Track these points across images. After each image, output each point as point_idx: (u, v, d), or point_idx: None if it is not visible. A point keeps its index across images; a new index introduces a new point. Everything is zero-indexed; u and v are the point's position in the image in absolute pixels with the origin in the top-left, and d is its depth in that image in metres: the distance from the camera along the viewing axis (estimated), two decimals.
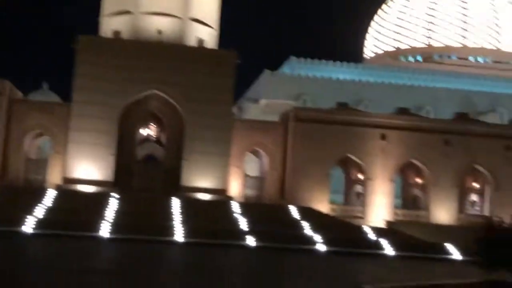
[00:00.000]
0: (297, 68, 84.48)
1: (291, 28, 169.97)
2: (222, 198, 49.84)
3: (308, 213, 47.56)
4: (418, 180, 56.55)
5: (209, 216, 43.86)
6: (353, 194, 57.33)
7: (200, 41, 55.40)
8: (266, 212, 47.81)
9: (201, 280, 22.18)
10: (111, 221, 40.83)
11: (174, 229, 40.51)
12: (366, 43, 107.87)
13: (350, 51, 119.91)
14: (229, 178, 51.92)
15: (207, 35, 56.18)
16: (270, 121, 56.44)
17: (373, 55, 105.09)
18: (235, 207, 47.35)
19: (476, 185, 57.45)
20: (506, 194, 53.33)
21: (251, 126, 54.27)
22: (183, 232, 39.80)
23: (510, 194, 53.41)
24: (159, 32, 53.86)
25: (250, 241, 39.76)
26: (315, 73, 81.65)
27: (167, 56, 51.51)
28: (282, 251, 37.07)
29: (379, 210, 52.28)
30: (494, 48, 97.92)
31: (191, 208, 45.45)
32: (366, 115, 56.13)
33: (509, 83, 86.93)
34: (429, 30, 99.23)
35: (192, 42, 54.70)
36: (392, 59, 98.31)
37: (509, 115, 76.65)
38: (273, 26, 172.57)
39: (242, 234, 41.06)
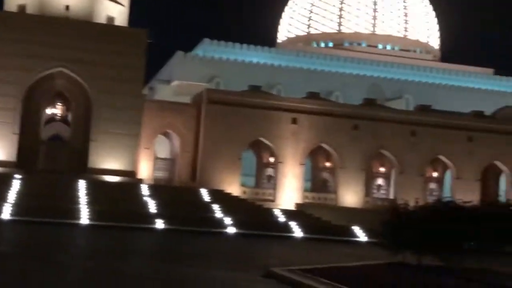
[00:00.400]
0: (210, 50, 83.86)
1: (205, 10, 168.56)
2: (131, 180, 48.76)
3: (219, 196, 47.36)
4: (328, 164, 57.53)
5: (116, 199, 42.80)
6: (264, 177, 57.63)
7: (110, 19, 53.76)
8: (176, 194, 47.20)
9: (105, 262, 21.48)
10: (13, 202, 39.06)
11: (80, 211, 39.27)
12: (279, 27, 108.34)
13: (264, 35, 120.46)
14: (138, 160, 50.86)
15: (117, 12, 54.58)
16: (182, 103, 55.68)
17: (285, 39, 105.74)
18: (144, 189, 46.46)
19: (382, 169, 59.07)
20: (410, 177, 55.10)
21: (162, 107, 53.28)
22: (89, 214, 38.65)
23: (414, 178, 55.25)
24: (67, 8, 51.82)
25: (159, 224, 39.16)
26: (228, 56, 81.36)
27: (74, 33, 49.58)
28: (191, 234, 36.71)
29: (289, 193, 52.76)
30: (402, 36, 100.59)
31: (98, 190, 44.19)
32: (278, 98, 56.38)
33: (415, 71, 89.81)
34: (340, 16, 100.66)
35: (101, 19, 52.95)
36: (304, 44, 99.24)
37: (414, 101, 79.11)
38: (187, 7, 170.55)
39: (150, 217, 40.37)
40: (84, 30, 50.10)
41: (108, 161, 49.25)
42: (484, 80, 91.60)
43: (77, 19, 51.32)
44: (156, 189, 46.97)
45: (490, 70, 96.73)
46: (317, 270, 18.44)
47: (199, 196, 47.44)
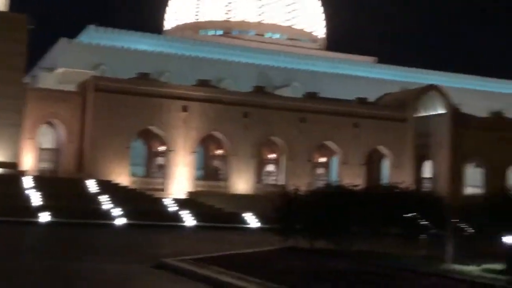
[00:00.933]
0: (95, 37, 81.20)
1: None
2: (13, 172, 46.34)
3: (107, 187, 46.06)
4: (219, 152, 57.47)
5: None
6: (155, 166, 56.71)
7: None
8: (62, 186, 45.40)
9: None
10: None
11: None
12: (166, 14, 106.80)
13: (151, 22, 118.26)
14: (21, 151, 48.42)
15: None
16: (67, 91, 53.53)
17: (173, 27, 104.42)
18: (28, 181, 44.33)
19: (272, 155, 59.79)
20: (300, 164, 56.12)
21: (45, 96, 50.97)
22: None
23: (303, 164, 56.34)
24: None
25: (44, 217, 37.49)
26: (114, 43, 79.12)
27: None
28: (79, 227, 35.41)
29: (180, 181, 52.19)
30: (288, 26, 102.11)
31: None
32: (167, 86, 55.47)
33: (302, 59, 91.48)
34: (228, 4, 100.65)
35: None
36: (192, 32, 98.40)
37: (302, 89, 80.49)
38: None
39: (34, 210, 38.56)
40: None
41: None
42: (368, 69, 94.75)
43: None
44: (41, 181, 44.97)
45: (373, 59, 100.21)
46: (210, 259, 18.22)
47: (86, 187, 45.92)
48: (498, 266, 18.24)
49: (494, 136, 60.41)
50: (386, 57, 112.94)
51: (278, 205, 23.16)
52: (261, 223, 41.56)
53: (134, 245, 27.54)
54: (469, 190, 60.69)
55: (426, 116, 61.72)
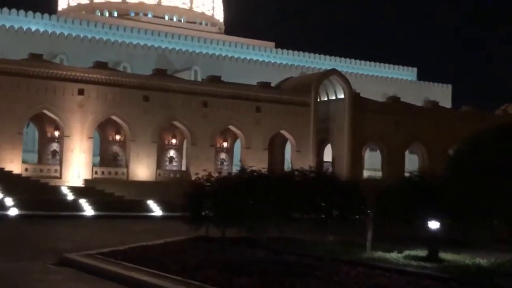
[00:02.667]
0: None
1: None
2: None
3: None
4: (118, 137, 55.24)
5: None
6: (49, 152, 53.64)
7: None
8: None
9: None
10: None
11: None
12: None
13: (42, 1, 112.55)
14: None
15: None
16: None
17: (66, 7, 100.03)
18: None
19: (174, 140, 58.29)
20: (203, 149, 54.98)
21: None
22: None
23: (206, 149, 55.22)
24: None
25: None
26: (3, 23, 74.74)
27: None
28: None
29: (77, 168, 49.66)
30: (187, 8, 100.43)
31: None
32: (62, 68, 52.56)
33: (202, 43, 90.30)
34: None
35: None
36: (87, 12, 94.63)
37: (202, 73, 79.54)
38: None
39: None
40: None
41: None
42: (266, 53, 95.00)
43: None
44: None
45: (272, 44, 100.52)
46: (119, 253, 16.79)
47: None
48: (420, 253, 18.04)
49: (391, 120, 61.95)
50: (283, 43, 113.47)
51: (187, 192, 21.98)
52: (165, 211, 40.25)
53: (30, 238, 25.28)
54: (367, 174, 62.07)
55: (327, 100, 62.27)
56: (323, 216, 21.41)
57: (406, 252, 18.24)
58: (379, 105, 63.68)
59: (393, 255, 17.80)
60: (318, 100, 60.72)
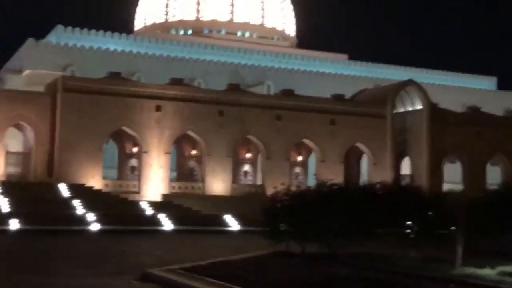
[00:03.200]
0: (64, 37, 79.06)
1: None
2: None
3: (80, 191, 44.25)
4: (194, 152, 55.88)
5: None
6: (128, 168, 54.87)
7: None
8: (32, 191, 43.47)
9: None
10: None
11: None
12: (136, 14, 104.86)
13: (120, 22, 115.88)
14: None
15: None
16: (35, 92, 51.49)
17: (142, 27, 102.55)
18: None
19: (248, 155, 58.42)
20: (277, 163, 54.84)
21: (12, 97, 48.80)
22: None
23: (280, 163, 55.04)
24: None
25: (14, 224, 35.55)
26: (83, 43, 77.08)
27: None
28: (50, 234, 33.52)
29: (155, 183, 50.50)
30: (259, 24, 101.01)
31: None
32: (140, 85, 53.75)
33: (274, 57, 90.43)
34: (198, 3, 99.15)
35: None
36: (162, 31, 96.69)
37: (275, 87, 79.49)
38: None
39: (3, 217, 36.57)
40: None
41: None
42: (339, 65, 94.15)
43: None
44: (9, 186, 42.96)
45: (344, 56, 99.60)
46: (201, 268, 16.70)
47: (57, 192, 44.03)
48: None
49: (471, 131, 60.03)
50: (356, 54, 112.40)
51: (266, 207, 21.74)
52: (242, 225, 40.19)
53: (112, 253, 25.65)
54: (447, 186, 60.18)
55: (404, 112, 61.00)
56: (406, 230, 20.69)
57: (500, 268, 17.31)
58: (459, 116, 61.84)
59: (486, 271, 16.89)
60: (395, 111, 59.55)
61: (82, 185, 45.81)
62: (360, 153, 60.63)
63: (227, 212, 43.23)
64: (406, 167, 62.45)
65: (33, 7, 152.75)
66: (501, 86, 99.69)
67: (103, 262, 22.27)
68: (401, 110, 61.29)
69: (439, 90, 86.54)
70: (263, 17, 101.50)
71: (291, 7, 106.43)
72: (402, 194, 21.59)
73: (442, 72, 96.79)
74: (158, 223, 39.23)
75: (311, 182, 55.05)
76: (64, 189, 44.27)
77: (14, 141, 50.55)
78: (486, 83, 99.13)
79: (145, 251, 26.31)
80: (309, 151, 59.62)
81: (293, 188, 22.54)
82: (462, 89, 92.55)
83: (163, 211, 41.29)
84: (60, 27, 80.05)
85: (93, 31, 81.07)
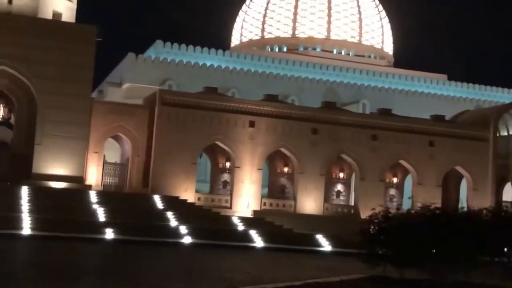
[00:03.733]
0: (163, 52, 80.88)
1: (158, 12, 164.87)
2: (78, 186, 45.52)
3: (173, 203, 44.63)
4: (285, 169, 55.34)
5: (62, 206, 39.58)
6: (220, 183, 55.03)
7: (57, 15, 50.40)
8: (127, 202, 44.19)
9: (47, 283, 18.50)
10: None
11: (22, 221, 35.95)
12: (233, 31, 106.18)
13: (216, 38, 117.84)
14: (87, 165, 47.65)
15: (64, 8, 51.25)
16: (133, 104, 52.69)
17: (238, 43, 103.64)
18: (93, 196, 43.32)
19: (341, 174, 57.27)
20: (371, 183, 53.41)
21: (112, 109, 50.12)
22: (31, 224, 35.36)
23: (374, 184, 53.57)
24: (10, 1, 48.28)
25: (109, 233, 36.17)
26: (181, 58, 78.58)
27: (17, 29, 46.17)
28: (144, 245, 33.83)
29: (246, 199, 50.32)
30: (356, 42, 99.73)
31: (43, 197, 40.87)
32: (235, 100, 53.93)
33: (371, 75, 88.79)
34: (294, 21, 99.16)
35: (47, 15, 49.59)
36: (258, 48, 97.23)
37: (371, 106, 77.87)
38: (139, 7, 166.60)
39: (99, 226, 37.33)
40: (28, 26, 46.69)
41: (54, 166, 45.92)
42: (438, 86, 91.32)
43: (21, 13, 47.86)
44: (106, 196, 43.94)
45: (444, 76, 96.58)
46: None
47: (152, 203, 44.61)
48: None
49: None
50: (455, 75, 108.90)
51: (364, 228, 20.78)
52: (334, 246, 39.11)
53: (204, 267, 25.34)
54: None
55: (508, 135, 58.07)
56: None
57: None
58: None
59: None
60: (498, 135, 56.77)
61: (176, 198, 46.24)
62: (459, 177, 58.13)
63: (319, 232, 42.29)
64: (507, 194, 59.41)
65: (134, 23, 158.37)
66: None
67: (196, 276, 21.98)
68: (505, 133, 58.37)
69: None
70: (360, 35, 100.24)
71: (389, 25, 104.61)
72: (509, 220, 20.02)
73: None
74: (249, 239, 38.83)
75: (406, 205, 53.40)
76: (158, 201, 44.81)
77: (112, 152, 51.92)
78: None
79: (238, 267, 25.84)
80: (405, 173, 57.77)
81: (392, 211, 21.38)
82: None
83: (255, 228, 40.89)
84: (159, 42, 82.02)
85: (190, 47, 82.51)
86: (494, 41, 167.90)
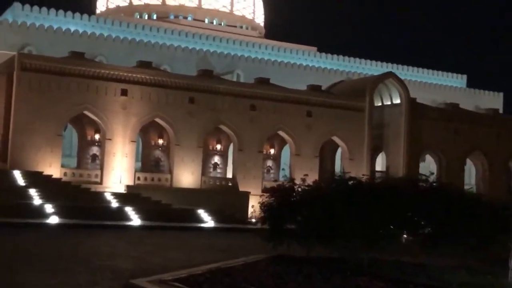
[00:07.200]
0: (21, 15, 74.31)
1: None
2: None
3: (37, 179, 40.14)
4: (161, 141, 52.15)
5: None
6: (88, 156, 50.75)
7: None
8: None
9: None
10: None
11: None
12: None
13: (81, 3, 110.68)
14: None
15: None
16: None
17: (105, 9, 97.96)
18: None
19: (218, 146, 55.02)
20: (249, 155, 51.58)
21: None
22: None
23: (253, 155, 51.81)
24: None
25: None
26: (42, 23, 72.49)
27: None
28: (3, 227, 29.51)
29: (118, 174, 46.62)
30: (228, 12, 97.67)
31: None
32: (105, 67, 49.55)
33: (244, 46, 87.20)
34: None
35: None
36: (126, 15, 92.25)
37: (245, 77, 76.30)
38: None
39: None
40: None
41: None
42: (309, 57, 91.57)
43: None
44: None
45: (314, 48, 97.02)
46: (199, 278, 13.33)
47: (11, 180, 39.87)
48: None
49: (450, 127, 58.05)
50: (325, 47, 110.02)
51: (267, 203, 18.44)
52: (217, 222, 36.82)
53: (80, 253, 21.47)
54: None
55: (381, 106, 58.45)
56: (436, 234, 17.68)
57: None
58: (438, 112, 59.63)
59: None
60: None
61: (39, 173, 41.71)
62: (334, 148, 57.91)
63: (199, 207, 39.82)
64: (380, 163, 60.17)
65: None
66: (471, 84, 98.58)
67: (73, 266, 18.19)
68: (379, 104, 58.72)
69: (410, 86, 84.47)
70: (232, 5, 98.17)
71: None
72: (435, 192, 18.43)
73: (413, 68, 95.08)
74: (125, 217, 35.51)
75: (283, 176, 52.20)
76: (18, 177, 40.17)
77: None
78: (457, 81, 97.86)
79: (119, 251, 22.45)
80: (282, 143, 56.59)
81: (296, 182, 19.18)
82: (433, 85, 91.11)
83: (130, 204, 37.61)
84: (17, 5, 75.28)
85: (52, 10, 76.46)
86: (362, 15, 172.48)
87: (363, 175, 19.48)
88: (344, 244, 17.27)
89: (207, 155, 54.00)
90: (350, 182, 17.99)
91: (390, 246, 17.47)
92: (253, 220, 41.14)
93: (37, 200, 36.45)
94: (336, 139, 55.68)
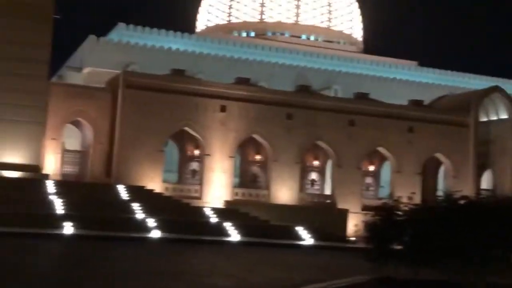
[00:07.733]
0: (126, 35, 76.68)
1: None
2: (34, 175, 41.54)
3: (139, 194, 41.10)
4: (258, 157, 52.18)
5: (16, 198, 35.67)
6: (188, 172, 51.55)
7: None
8: (88, 192, 40.49)
9: None
10: None
11: None
12: (198, 15, 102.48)
13: (181, 23, 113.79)
14: (44, 153, 43.69)
15: None
16: (95, 87, 48.80)
17: (204, 28, 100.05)
18: (50, 186, 39.46)
19: (316, 162, 54.38)
20: (348, 171, 50.65)
21: (71, 92, 46.25)
22: None
23: (351, 171, 50.84)
24: None
25: (67, 228, 32.51)
26: (145, 42, 74.64)
27: None
28: (107, 240, 30.24)
29: (217, 189, 47.01)
30: (325, 27, 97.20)
31: None
32: (204, 83, 50.29)
33: (342, 61, 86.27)
34: (262, 5, 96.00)
35: None
36: (224, 33, 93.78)
37: (343, 92, 75.34)
38: None
39: (57, 219, 33.60)
40: None
41: (8, 153, 41.90)
42: (410, 72, 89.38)
43: None
44: (65, 186, 40.14)
45: (414, 62, 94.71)
46: None
47: (115, 194, 41.01)
48: None
49: None
50: (426, 61, 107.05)
51: (374, 222, 17.69)
52: (316, 239, 36.16)
53: (180, 269, 21.35)
54: None
55: (487, 121, 55.92)
56: None
57: None
58: None
59: None
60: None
61: (141, 187, 42.69)
62: (437, 165, 55.84)
63: (296, 223, 39.30)
64: (486, 181, 57.43)
65: (95, 5, 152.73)
66: None
67: (170, 282, 18.19)
68: (484, 119, 56.23)
69: None
70: (329, 20, 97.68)
71: (358, 11, 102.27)
72: None
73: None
74: (224, 232, 35.59)
75: (383, 193, 50.84)
76: (122, 191, 41.25)
77: (72, 139, 47.96)
78: None
79: (218, 268, 22.29)
80: (382, 160, 55.22)
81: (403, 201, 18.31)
82: None
83: (229, 220, 37.67)
84: (121, 25, 77.93)
85: (155, 30, 78.61)
86: (464, 27, 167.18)
87: (475, 193, 18.37)
88: (454, 266, 16.26)
89: (304, 171, 53.55)
90: (462, 202, 16.97)
91: (503, 269, 16.30)
92: (353, 238, 40.22)
93: (139, 214, 37.21)
94: (439, 155, 53.75)
